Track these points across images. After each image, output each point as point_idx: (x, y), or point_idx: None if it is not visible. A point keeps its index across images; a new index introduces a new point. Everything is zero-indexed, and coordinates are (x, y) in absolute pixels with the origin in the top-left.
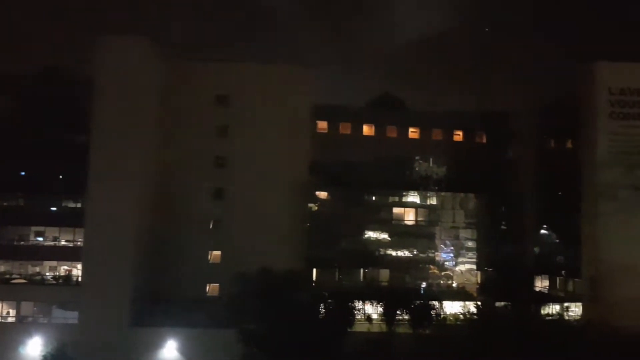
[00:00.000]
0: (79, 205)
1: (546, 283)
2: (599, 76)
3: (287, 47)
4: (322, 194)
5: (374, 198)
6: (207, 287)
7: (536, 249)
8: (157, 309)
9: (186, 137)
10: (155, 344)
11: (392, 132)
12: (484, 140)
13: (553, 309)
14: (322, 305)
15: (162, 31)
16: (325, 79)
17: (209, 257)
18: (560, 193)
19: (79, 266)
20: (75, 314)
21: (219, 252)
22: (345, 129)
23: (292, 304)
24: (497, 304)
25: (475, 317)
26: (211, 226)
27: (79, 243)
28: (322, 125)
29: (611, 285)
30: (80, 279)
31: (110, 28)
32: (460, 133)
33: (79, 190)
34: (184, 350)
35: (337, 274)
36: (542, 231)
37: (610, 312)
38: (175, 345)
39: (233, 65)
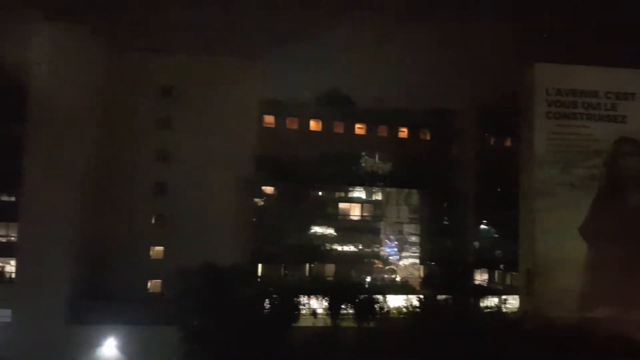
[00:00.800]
0: (12, 199)
1: (485, 276)
2: (537, 77)
3: (234, 40)
4: (269, 189)
5: (320, 193)
6: (149, 284)
7: (476, 244)
8: (96, 306)
9: (127, 130)
10: (94, 342)
11: (338, 128)
12: (428, 137)
13: (491, 301)
14: (267, 301)
15: (105, 20)
16: (273, 73)
17: (151, 252)
18: (499, 189)
19: (13, 262)
20: (8, 312)
21: (161, 248)
22: (292, 124)
23: (237, 300)
24: (439, 297)
25: (417, 310)
26: (153, 221)
27: (12, 238)
28: (269, 119)
29: (546, 279)
30: (14, 275)
31: (49, 15)
32: (406, 130)
33: (13, 184)
34: (125, 349)
35: (282, 269)
36: (482, 226)
37: (545, 304)
38: (115, 344)
39: (178, 57)
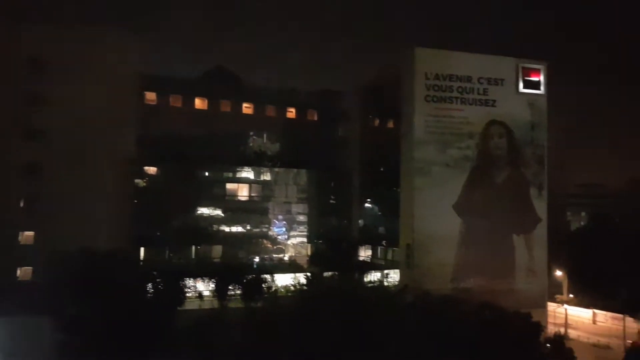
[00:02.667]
0: None
1: (369, 252)
2: (417, 61)
3: (115, 9)
4: (151, 169)
5: (206, 174)
6: (18, 271)
7: (361, 222)
8: None
9: None
10: None
11: (225, 107)
12: (316, 118)
13: (374, 275)
14: (150, 285)
15: None
16: (155, 47)
17: (20, 238)
18: (382, 169)
19: None
20: None
21: (31, 233)
22: (176, 101)
23: (116, 286)
24: (325, 274)
25: (304, 287)
26: (22, 204)
27: None
28: (151, 96)
29: (424, 253)
30: None
31: None
32: (293, 110)
33: None
34: None
35: (167, 252)
36: (367, 205)
37: (423, 277)
38: None
39: (50, 25)
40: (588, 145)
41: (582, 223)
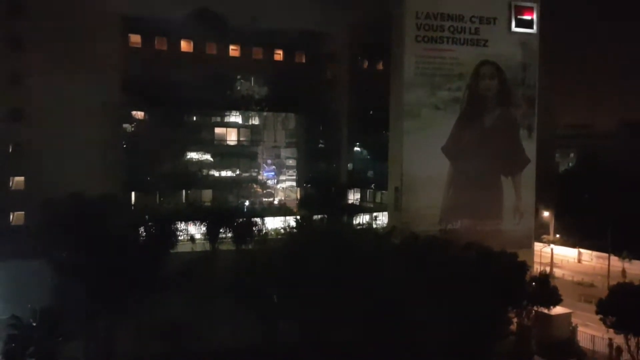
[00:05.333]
0: None
1: (358, 196)
2: (408, 0)
3: None
4: (139, 114)
5: (194, 118)
6: (11, 216)
7: (350, 165)
8: None
9: None
10: None
11: (211, 49)
12: (304, 60)
13: (363, 218)
14: (141, 229)
15: None
16: None
17: (11, 183)
18: (371, 112)
19: None
20: None
21: (22, 178)
22: (161, 44)
23: (108, 230)
24: (315, 217)
25: (294, 230)
26: (10, 150)
27: None
28: (135, 39)
29: (412, 196)
30: None
31: None
32: (281, 52)
33: None
34: None
35: (157, 196)
36: (355, 148)
37: (411, 219)
38: None
39: None
40: (579, 86)
41: (570, 164)
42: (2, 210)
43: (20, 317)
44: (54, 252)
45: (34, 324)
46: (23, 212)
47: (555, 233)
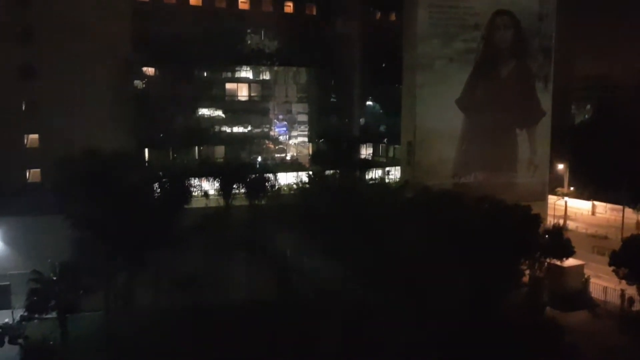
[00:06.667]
0: None
1: (370, 151)
2: None
3: None
4: (150, 70)
5: (205, 74)
6: (28, 173)
7: (362, 120)
8: None
9: None
10: None
11: (220, 3)
12: (314, 12)
13: (376, 173)
14: (156, 185)
15: None
16: None
17: (26, 141)
18: (384, 65)
19: None
20: None
21: (36, 136)
22: None
23: (124, 186)
24: (327, 172)
25: (306, 185)
26: (24, 107)
27: None
28: None
29: (425, 150)
30: None
31: None
32: (291, 4)
33: None
34: (8, 240)
35: (171, 153)
36: (368, 102)
37: (424, 173)
38: None
39: None
40: (598, 36)
41: (586, 116)
42: (19, 168)
43: (41, 272)
44: (71, 208)
45: (55, 278)
46: (39, 170)
47: (569, 186)
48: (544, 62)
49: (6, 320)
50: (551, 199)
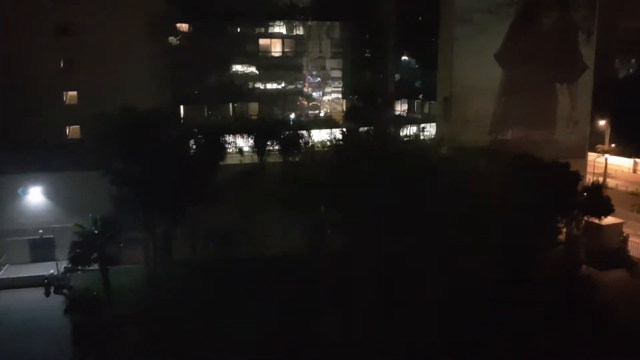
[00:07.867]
0: None
1: (405, 107)
2: None
3: None
4: (183, 27)
5: (238, 29)
6: (67, 130)
7: (397, 75)
8: (15, 156)
9: None
10: (18, 191)
11: None
12: None
13: (411, 130)
14: (191, 141)
15: None
16: None
17: (65, 98)
18: (420, 19)
19: None
20: None
21: (74, 93)
22: None
23: (160, 142)
24: (361, 129)
25: (340, 142)
26: (62, 65)
27: None
28: None
29: (462, 105)
30: None
31: None
32: None
33: None
34: (51, 195)
35: (205, 109)
36: (403, 57)
37: (460, 129)
38: (40, 190)
39: None
40: None
41: (631, 70)
42: (59, 124)
43: (83, 226)
44: (110, 164)
45: (96, 232)
46: (78, 126)
47: (610, 142)
48: (587, 14)
49: (51, 271)
50: (591, 156)
